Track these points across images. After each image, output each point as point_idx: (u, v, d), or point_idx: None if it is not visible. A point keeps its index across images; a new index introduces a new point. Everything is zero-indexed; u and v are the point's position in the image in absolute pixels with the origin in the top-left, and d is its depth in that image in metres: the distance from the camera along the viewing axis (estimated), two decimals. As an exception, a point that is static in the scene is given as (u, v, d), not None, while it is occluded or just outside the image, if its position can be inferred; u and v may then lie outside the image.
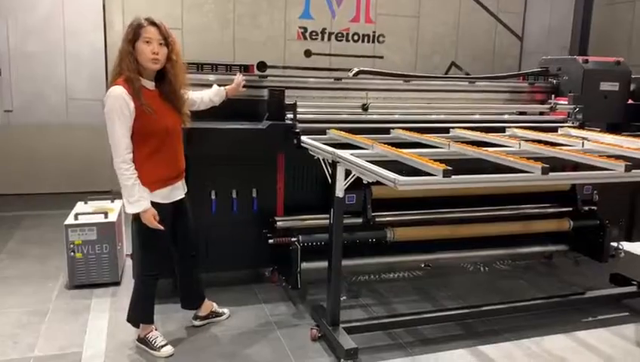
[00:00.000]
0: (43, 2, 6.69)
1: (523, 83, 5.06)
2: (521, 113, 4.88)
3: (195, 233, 3.38)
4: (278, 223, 3.82)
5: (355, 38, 8.06)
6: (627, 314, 3.90)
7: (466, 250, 4.39)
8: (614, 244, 4.61)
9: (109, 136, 2.83)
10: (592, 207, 4.50)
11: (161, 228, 2.94)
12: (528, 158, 2.77)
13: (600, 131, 4.28)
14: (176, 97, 2.99)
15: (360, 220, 3.95)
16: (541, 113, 4.86)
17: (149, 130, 2.87)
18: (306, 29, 7.79)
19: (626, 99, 4.87)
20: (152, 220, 2.91)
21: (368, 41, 8.13)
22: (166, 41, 2.86)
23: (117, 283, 4.10)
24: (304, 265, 3.80)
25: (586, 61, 4.76)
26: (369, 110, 4.17)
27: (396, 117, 4.26)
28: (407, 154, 2.77)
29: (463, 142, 3.31)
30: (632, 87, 4.90)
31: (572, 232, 4.48)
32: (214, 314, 3.61)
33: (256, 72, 4.25)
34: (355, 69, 4.60)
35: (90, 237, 3.97)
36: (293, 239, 3.70)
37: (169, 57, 2.89)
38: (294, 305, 3.86)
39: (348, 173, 2.99)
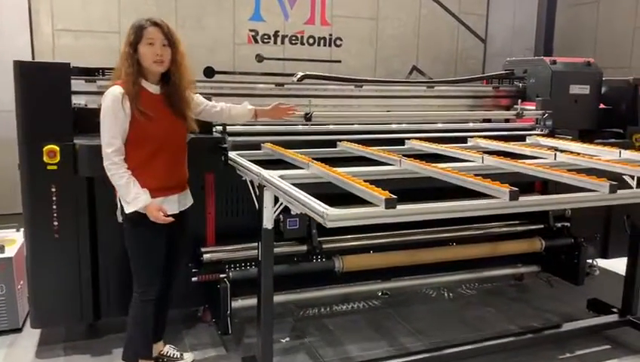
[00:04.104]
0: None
1: (487, 87, 4.62)
2: (485, 120, 4.44)
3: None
4: (204, 255, 3.24)
5: (311, 41, 7.51)
6: (608, 346, 3.44)
7: (428, 274, 3.95)
8: (589, 261, 4.17)
9: (100, 136, 2.63)
10: (565, 224, 4.08)
11: (171, 220, 2.65)
12: (492, 178, 2.27)
13: (572, 140, 3.82)
14: (181, 101, 2.78)
15: (305, 248, 3.43)
16: (506, 120, 4.42)
17: (143, 136, 2.66)
18: (257, 32, 7.22)
19: (598, 103, 4.45)
20: (157, 214, 2.62)
21: (325, 45, 7.61)
22: (169, 41, 2.68)
23: (18, 330, 3.46)
24: (239, 302, 3.28)
25: (554, 62, 4.34)
26: (312, 120, 3.61)
27: (345, 127, 3.75)
28: (344, 177, 2.23)
29: (417, 157, 2.81)
30: (604, 89, 4.49)
31: (544, 252, 4.03)
32: (166, 359, 3.08)
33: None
34: (300, 74, 4.09)
35: (-19, 276, 3.33)
36: (221, 275, 3.13)
37: (173, 58, 2.71)
38: (227, 352, 3.27)
39: (278, 198, 2.46)
